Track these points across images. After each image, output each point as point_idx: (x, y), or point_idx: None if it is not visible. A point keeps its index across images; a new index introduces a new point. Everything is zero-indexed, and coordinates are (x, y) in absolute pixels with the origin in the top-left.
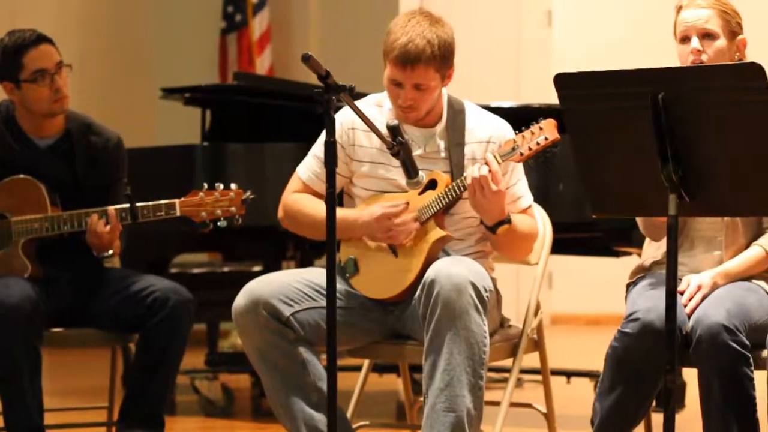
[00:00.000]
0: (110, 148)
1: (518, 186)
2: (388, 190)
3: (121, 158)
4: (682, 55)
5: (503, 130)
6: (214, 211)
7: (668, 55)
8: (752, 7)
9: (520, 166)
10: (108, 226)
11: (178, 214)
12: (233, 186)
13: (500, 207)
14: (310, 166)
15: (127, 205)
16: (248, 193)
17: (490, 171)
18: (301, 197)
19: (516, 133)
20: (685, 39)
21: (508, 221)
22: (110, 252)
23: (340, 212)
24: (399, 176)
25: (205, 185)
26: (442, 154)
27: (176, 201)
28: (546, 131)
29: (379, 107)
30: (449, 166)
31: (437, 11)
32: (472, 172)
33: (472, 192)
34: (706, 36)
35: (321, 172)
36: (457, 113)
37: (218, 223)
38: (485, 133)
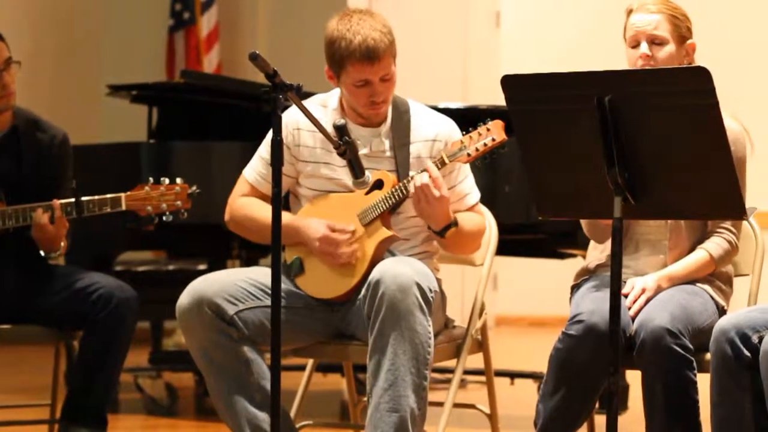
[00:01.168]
0: (56, 145)
1: (464, 183)
2: (333, 190)
3: (67, 155)
4: (632, 59)
5: (449, 128)
6: (159, 205)
7: (618, 58)
8: (702, 10)
9: (466, 165)
10: (53, 221)
11: (123, 208)
12: (179, 180)
13: (445, 212)
14: (256, 167)
15: (73, 200)
16: (194, 188)
17: (431, 177)
18: (248, 201)
19: (463, 134)
20: (634, 43)
21: (455, 224)
22: (58, 252)
23: (285, 218)
24: (344, 176)
25: (151, 179)
26: (388, 154)
27: (122, 195)
28: (493, 132)
29: (323, 107)
30: (394, 166)
31: (385, 11)
32: (413, 181)
33: (417, 201)
34: (656, 41)
35: (267, 174)
36: (402, 112)
37: (164, 218)
38: (431, 131)
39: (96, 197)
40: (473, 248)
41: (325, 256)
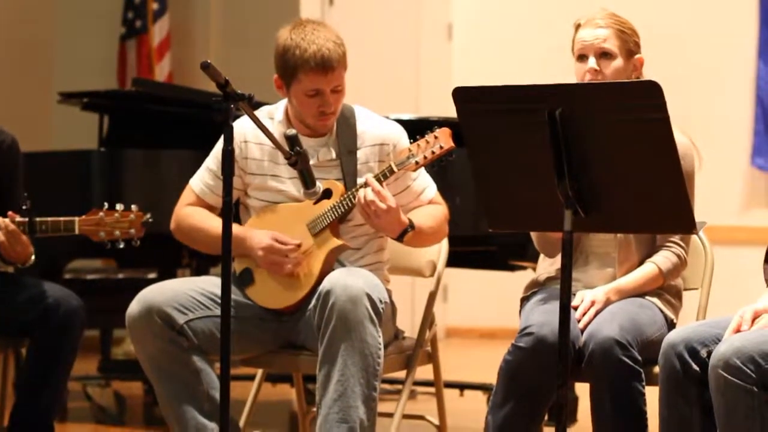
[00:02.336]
0: (4, 150)
1: (419, 180)
2: (282, 202)
3: (17, 159)
4: (579, 73)
5: (395, 132)
6: (113, 232)
7: (570, 70)
8: (650, 24)
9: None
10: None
11: (76, 232)
12: (134, 207)
13: (397, 220)
14: (203, 178)
15: (26, 220)
16: (148, 216)
17: (374, 192)
18: (194, 211)
19: (411, 142)
20: (582, 57)
21: (412, 227)
22: (31, 260)
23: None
24: (292, 188)
25: (106, 204)
26: (335, 162)
27: (75, 219)
28: (441, 140)
29: (270, 119)
30: (342, 174)
31: (338, 22)
32: (358, 199)
33: (366, 216)
34: (604, 55)
35: (214, 185)
36: (347, 118)
37: (115, 244)
38: (377, 136)
39: (49, 219)
40: (439, 238)
41: (269, 265)
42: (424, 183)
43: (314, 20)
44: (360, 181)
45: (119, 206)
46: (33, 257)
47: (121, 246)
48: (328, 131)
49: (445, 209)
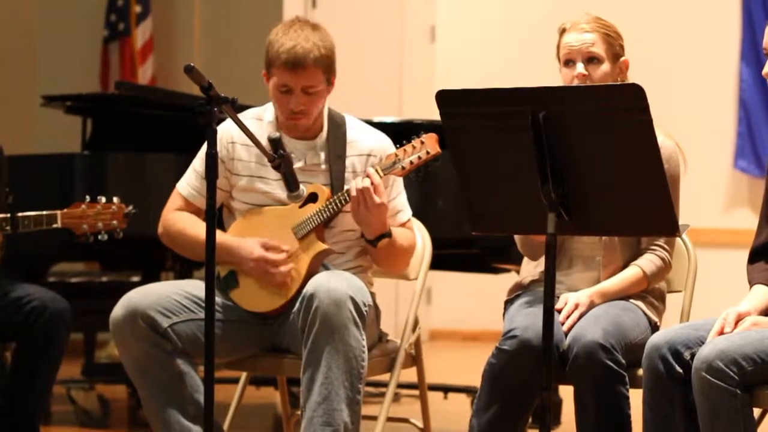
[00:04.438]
0: None
1: (398, 200)
2: (267, 204)
3: (1, 164)
4: (567, 77)
5: (384, 144)
6: (95, 224)
7: (553, 74)
8: (636, 28)
9: (400, 180)
10: None
11: (59, 225)
12: (116, 200)
13: (382, 220)
14: (190, 181)
15: (8, 215)
16: (130, 208)
17: (372, 183)
18: (181, 216)
19: (397, 147)
20: (569, 62)
21: (389, 235)
22: None
23: (220, 237)
24: (278, 190)
25: (88, 198)
26: (323, 167)
27: (58, 212)
28: (427, 145)
29: (258, 121)
30: (329, 179)
31: (321, 24)
32: (354, 184)
33: (356, 204)
34: (591, 60)
35: (201, 187)
36: (338, 126)
37: (99, 236)
38: (366, 146)
39: (32, 213)
40: (403, 265)
41: (260, 275)
42: (401, 205)
43: (309, 21)
44: (347, 186)
45: (101, 198)
46: None
47: (105, 238)
48: (317, 135)
49: (416, 239)
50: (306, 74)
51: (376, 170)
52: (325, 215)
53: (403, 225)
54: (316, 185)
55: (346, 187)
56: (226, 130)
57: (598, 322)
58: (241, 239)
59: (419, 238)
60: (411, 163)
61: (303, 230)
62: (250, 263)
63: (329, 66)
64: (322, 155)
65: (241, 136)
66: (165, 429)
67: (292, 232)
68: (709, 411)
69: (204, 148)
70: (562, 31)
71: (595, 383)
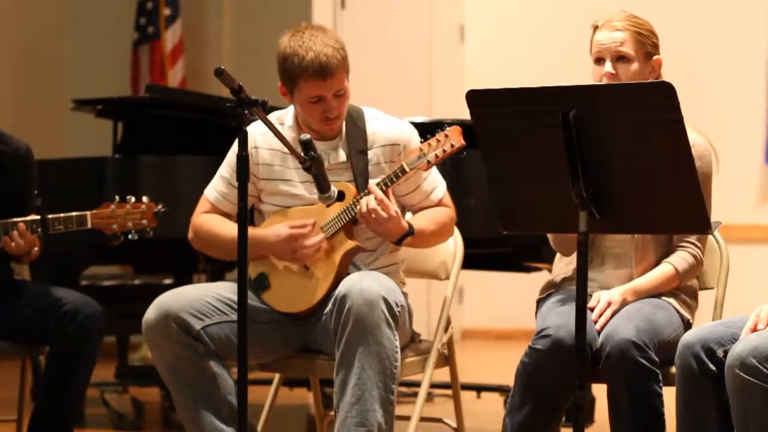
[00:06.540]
0: (20, 157)
1: (429, 180)
2: (293, 205)
3: (31, 168)
4: (596, 75)
5: (406, 132)
6: (125, 224)
7: (584, 72)
8: (672, 27)
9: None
10: (21, 241)
11: (89, 226)
12: (145, 199)
13: (397, 227)
14: (217, 186)
15: (38, 217)
16: (160, 206)
17: (377, 200)
18: (209, 218)
19: (422, 141)
20: (599, 60)
21: (411, 233)
22: (35, 250)
23: (248, 231)
24: (304, 191)
25: (117, 198)
26: (346, 164)
27: (87, 213)
28: (452, 138)
29: (281, 125)
30: (353, 176)
31: (349, 26)
32: (360, 207)
33: (367, 224)
34: (620, 59)
35: (228, 192)
36: (356, 120)
37: (129, 236)
38: (388, 137)
39: (62, 215)
40: (443, 240)
41: (291, 254)
42: (434, 183)
43: (313, 25)
44: (372, 181)
45: (130, 198)
46: (36, 248)
47: (135, 238)
48: (337, 135)
49: (451, 211)
50: (335, 80)
51: (396, 172)
52: (352, 213)
53: (438, 203)
54: (343, 183)
55: (371, 181)
56: (250, 134)
57: (630, 319)
58: (264, 229)
59: (450, 239)
60: (436, 156)
61: (332, 229)
62: (279, 245)
63: (347, 64)
64: (343, 153)
65: (264, 140)
66: (198, 431)
67: (321, 232)
68: (743, 408)
69: (230, 153)
70: (595, 28)
71: (628, 381)
